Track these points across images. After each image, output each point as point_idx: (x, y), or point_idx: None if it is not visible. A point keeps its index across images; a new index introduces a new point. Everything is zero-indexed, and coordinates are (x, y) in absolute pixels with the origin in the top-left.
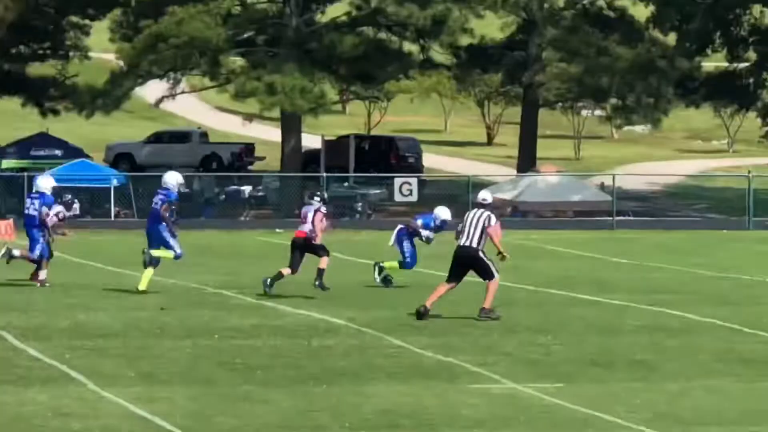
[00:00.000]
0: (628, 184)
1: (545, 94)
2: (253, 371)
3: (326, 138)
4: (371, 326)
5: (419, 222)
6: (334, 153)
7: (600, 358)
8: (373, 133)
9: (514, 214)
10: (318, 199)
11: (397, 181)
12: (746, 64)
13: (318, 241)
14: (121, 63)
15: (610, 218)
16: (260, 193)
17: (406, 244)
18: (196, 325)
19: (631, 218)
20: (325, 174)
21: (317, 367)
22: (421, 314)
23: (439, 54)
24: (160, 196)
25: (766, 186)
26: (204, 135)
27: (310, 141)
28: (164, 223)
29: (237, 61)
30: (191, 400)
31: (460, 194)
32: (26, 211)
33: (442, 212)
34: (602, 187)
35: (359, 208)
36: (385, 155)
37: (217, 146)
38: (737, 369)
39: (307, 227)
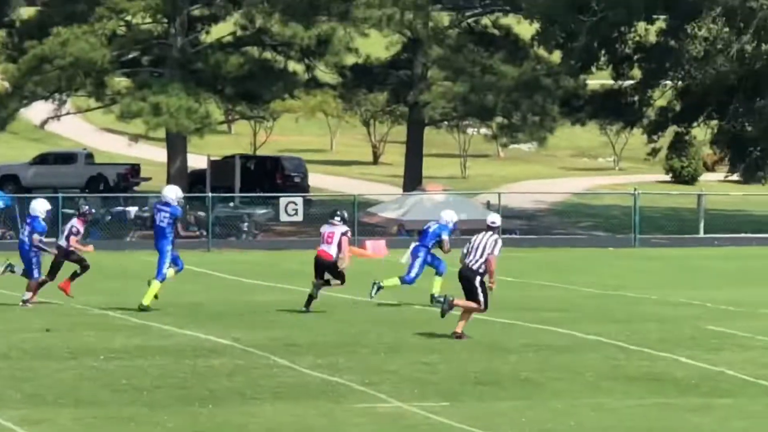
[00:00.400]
0: (515, 203)
1: (430, 112)
2: (139, 392)
3: (212, 158)
4: (257, 346)
5: (445, 237)
6: (219, 173)
7: (486, 377)
8: (258, 152)
9: (400, 233)
10: (338, 219)
11: (283, 201)
12: (631, 81)
13: (343, 266)
14: (6, 84)
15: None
16: (146, 214)
17: (419, 262)
18: (82, 346)
19: (518, 236)
20: (210, 194)
21: (203, 388)
22: (448, 303)
23: (324, 73)
24: (164, 213)
25: (652, 203)
26: (90, 156)
27: (196, 161)
28: (168, 240)
29: (122, 82)
30: (77, 422)
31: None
32: (20, 236)
33: (450, 215)
34: (488, 205)
35: (245, 228)
36: (271, 175)
37: (103, 167)
38: (623, 387)
39: (333, 250)
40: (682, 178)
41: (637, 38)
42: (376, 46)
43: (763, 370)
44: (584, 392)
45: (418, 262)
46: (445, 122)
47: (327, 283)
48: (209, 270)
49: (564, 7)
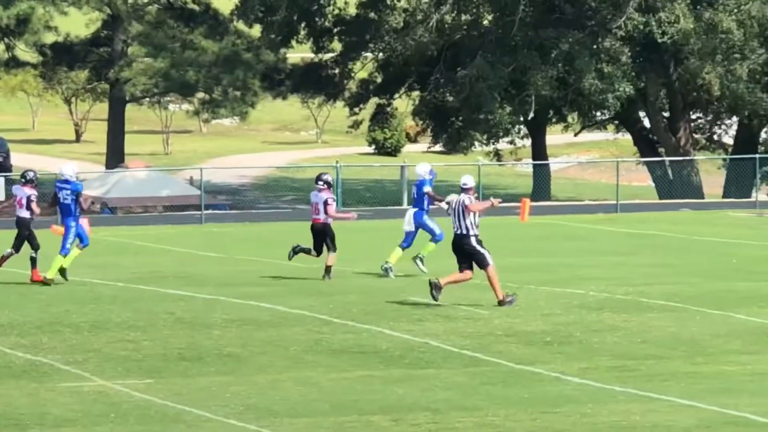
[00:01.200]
0: (217, 178)
1: (131, 89)
2: None
3: None
4: None
5: (427, 188)
6: None
7: (189, 353)
8: None
9: (103, 210)
10: (322, 183)
11: None
12: (332, 54)
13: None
14: None
15: (199, 212)
16: None
17: (429, 222)
18: None
19: (221, 212)
20: None
21: None
22: (435, 287)
23: (24, 52)
24: (66, 191)
25: (354, 176)
26: None
27: None
28: (73, 216)
29: None
30: None
31: (47, 192)
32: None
33: (423, 168)
34: (191, 181)
35: None
36: None
37: None
38: (327, 360)
39: (321, 216)
40: (385, 149)
41: (337, 11)
42: (77, 23)
43: (467, 340)
44: (288, 366)
45: (430, 223)
46: (147, 99)
47: (309, 252)
48: None
49: None
